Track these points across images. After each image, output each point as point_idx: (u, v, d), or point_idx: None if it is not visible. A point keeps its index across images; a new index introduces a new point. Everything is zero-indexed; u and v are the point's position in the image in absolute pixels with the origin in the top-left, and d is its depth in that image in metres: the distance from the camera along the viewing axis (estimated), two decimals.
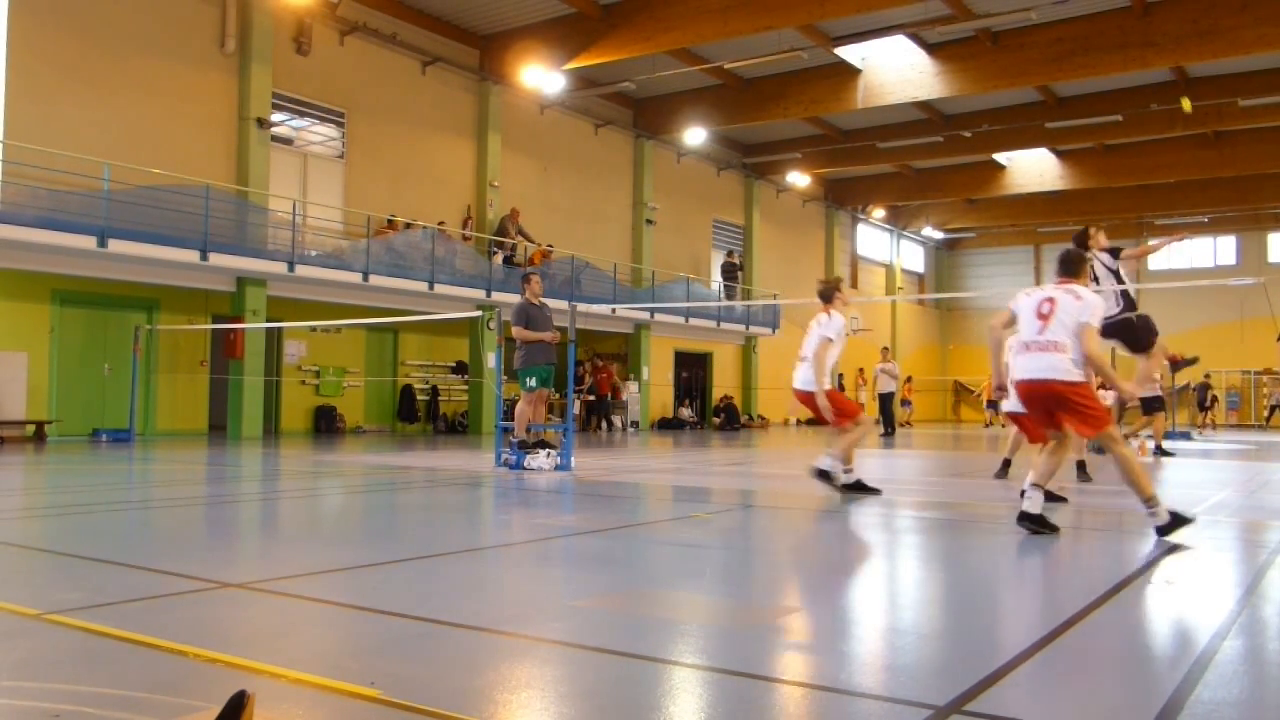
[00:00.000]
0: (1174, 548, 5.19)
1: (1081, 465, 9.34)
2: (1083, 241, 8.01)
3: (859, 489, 7.77)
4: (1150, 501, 5.41)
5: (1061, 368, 5.49)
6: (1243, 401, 35.67)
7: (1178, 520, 5.38)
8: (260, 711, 2.05)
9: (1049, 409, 5.66)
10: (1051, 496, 7.34)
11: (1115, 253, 9.08)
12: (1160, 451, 14.04)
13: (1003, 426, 32.37)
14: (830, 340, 7.64)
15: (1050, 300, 5.65)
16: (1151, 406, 14.21)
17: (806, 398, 7.78)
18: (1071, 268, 5.87)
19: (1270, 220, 35.76)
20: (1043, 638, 3.21)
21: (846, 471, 7.78)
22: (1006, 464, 9.83)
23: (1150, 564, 4.86)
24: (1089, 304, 5.57)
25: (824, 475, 7.71)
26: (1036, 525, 5.53)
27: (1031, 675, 2.83)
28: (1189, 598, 4.11)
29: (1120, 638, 3.38)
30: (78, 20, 15.34)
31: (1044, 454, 5.93)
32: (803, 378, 7.80)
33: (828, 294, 7.93)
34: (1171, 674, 2.80)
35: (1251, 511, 7.29)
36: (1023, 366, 5.65)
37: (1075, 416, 5.55)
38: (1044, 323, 5.57)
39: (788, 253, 32.91)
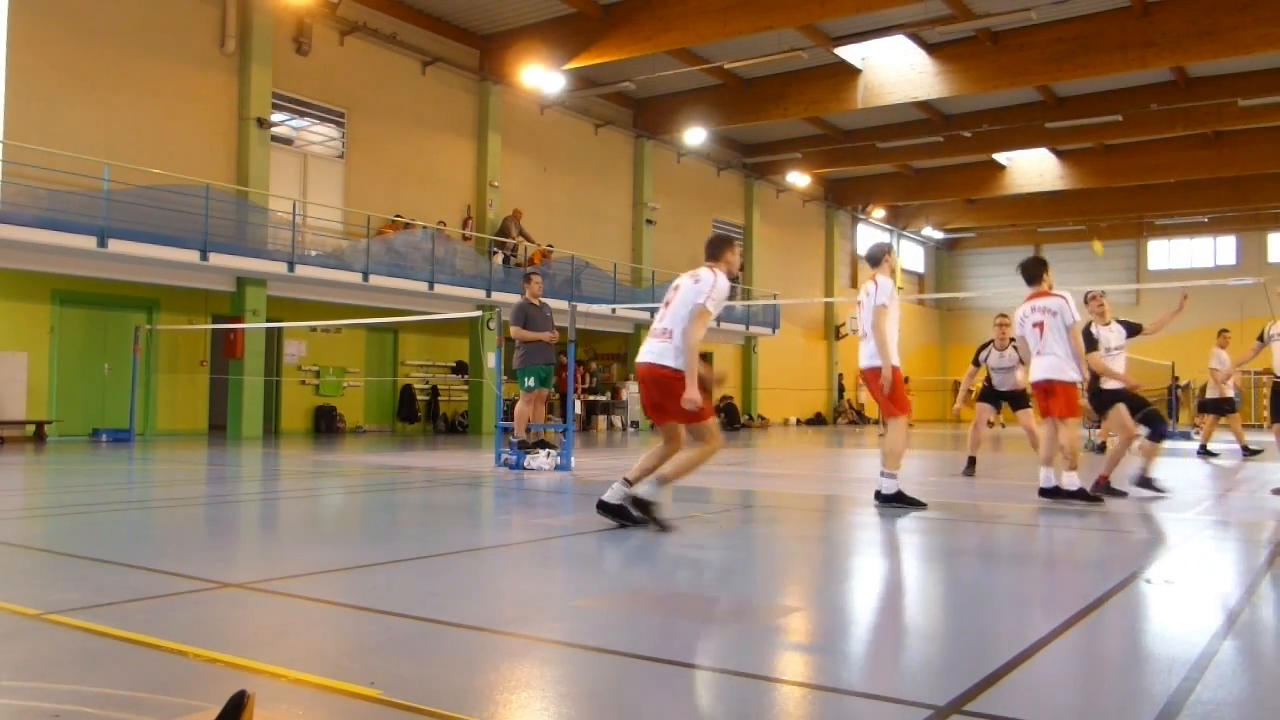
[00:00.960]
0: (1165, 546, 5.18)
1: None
2: (1040, 267, 7.58)
3: (902, 501, 6.99)
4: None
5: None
6: (1243, 401, 35.64)
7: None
8: (260, 711, 2.05)
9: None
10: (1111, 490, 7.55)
11: (1135, 329, 8.81)
12: (1205, 452, 14.10)
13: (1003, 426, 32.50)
14: (885, 306, 6.83)
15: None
16: (1223, 408, 14.26)
17: (873, 375, 6.94)
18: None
19: (1270, 220, 35.74)
20: (1043, 638, 3.21)
21: (889, 476, 7.03)
22: (972, 461, 10.03)
23: (1150, 564, 4.86)
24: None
25: (898, 499, 6.90)
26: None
27: (1031, 675, 2.83)
28: (1189, 598, 4.11)
29: (1120, 638, 3.38)
30: (78, 20, 15.34)
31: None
32: (869, 353, 6.95)
33: (876, 257, 7.18)
34: (1171, 674, 2.80)
35: (1251, 511, 7.29)
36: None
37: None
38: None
39: (788, 253, 32.91)
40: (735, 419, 27.11)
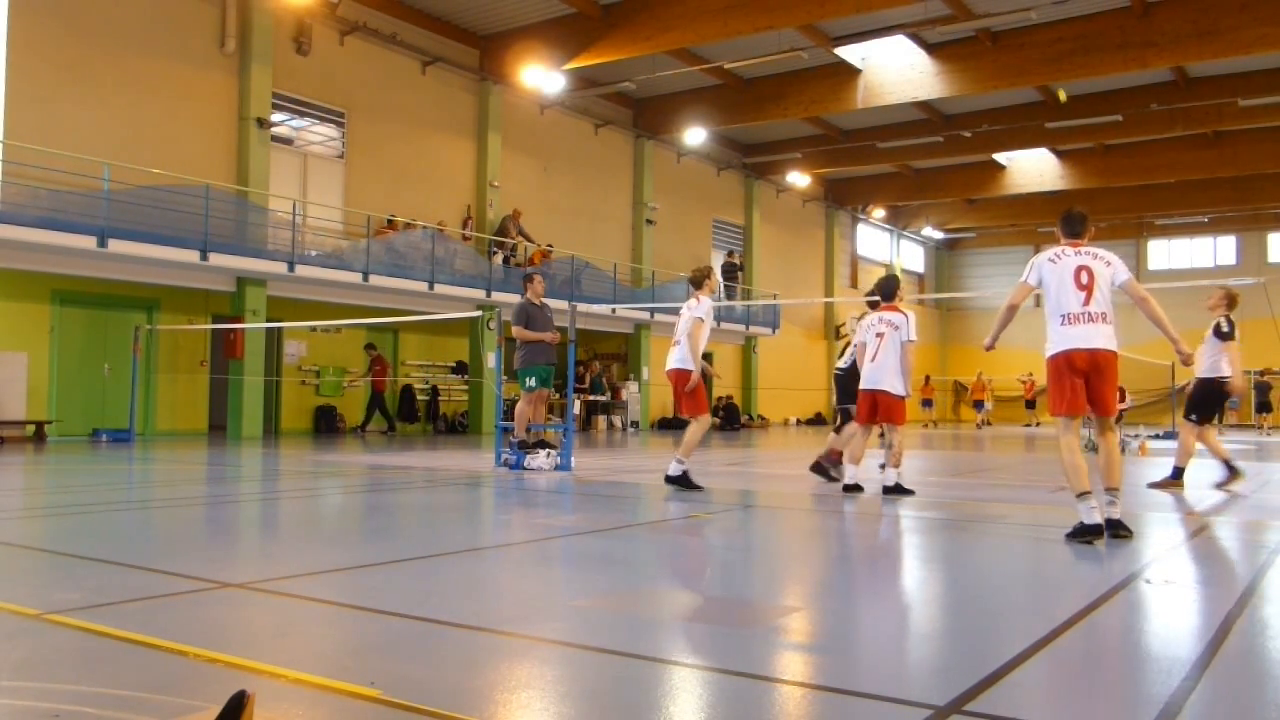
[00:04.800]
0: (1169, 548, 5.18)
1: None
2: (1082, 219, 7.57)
3: (684, 484, 8.06)
4: (1083, 497, 5.35)
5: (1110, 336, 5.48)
6: (1243, 402, 35.58)
7: (1087, 530, 5.27)
8: (260, 711, 2.05)
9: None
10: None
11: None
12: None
13: (1036, 425, 32.44)
14: (701, 320, 8.13)
15: (1087, 269, 5.55)
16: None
17: (681, 377, 8.18)
18: (1078, 227, 5.93)
19: (1270, 220, 35.75)
20: (1043, 638, 3.21)
21: (678, 462, 8.16)
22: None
23: (1150, 564, 4.86)
24: (1118, 266, 5.69)
25: (682, 481, 8.08)
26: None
27: (1031, 675, 2.83)
28: (1189, 598, 4.11)
29: (1120, 638, 3.38)
30: (78, 20, 15.34)
31: None
32: (678, 357, 8.21)
33: (698, 280, 8.40)
34: (1171, 674, 2.80)
35: (1251, 511, 7.29)
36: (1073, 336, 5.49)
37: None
38: (1087, 293, 5.49)
39: (788, 253, 32.91)
40: (735, 419, 27.10)
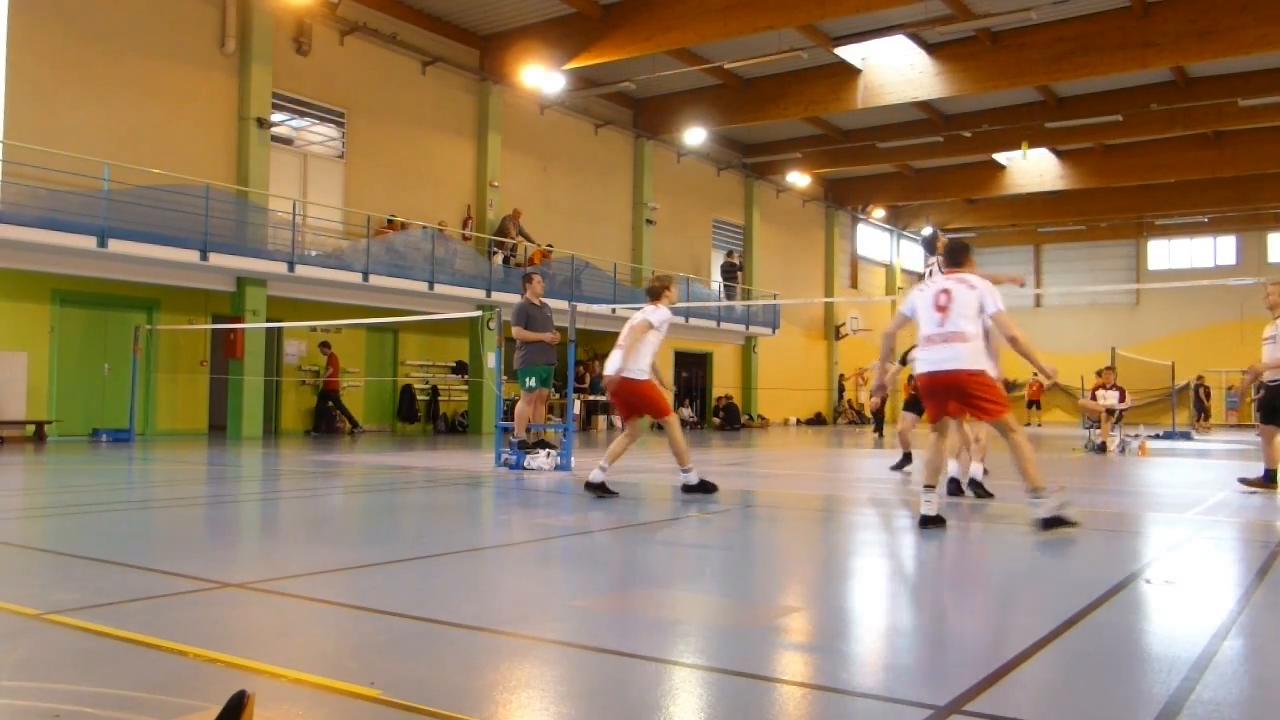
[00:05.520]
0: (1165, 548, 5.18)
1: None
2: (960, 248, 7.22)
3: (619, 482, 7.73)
4: (1035, 492, 5.50)
5: (964, 357, 5.61)
6: (1243, 402, 35.62)
7: (1060, 522, 5.46)
8: (260, 711, 2.05)
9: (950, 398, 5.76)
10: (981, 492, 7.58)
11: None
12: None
13: (1039, 425, 32.31)
14: (651, 325, 7.48)
15: (946, 292, 5.76)
16: None
17: (625, 386, 7.50)
18: (958, 257, 6.01)
19: (1270, 220, 35.75)
20: (1043, 638, 3.21)
21: (685, 472, 7.63)
22: (907, 457, 10.19)
23: (1150, 564, 4.86)
24: (984, 290, 5.71)
25: (597, 488, 7.37)
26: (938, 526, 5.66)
27: (1031, 675, 2.83)
28: (1189, 598, 4.11)
29: (1120, 638, 3.38)
30: (77, 20, 15.34)
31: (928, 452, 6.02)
32: (619, 364, 7.51)
33: (655, 292, 7.78)
34: (1171, 674, 2.80)
35: (1251, 511, 7.29)
36: (925, 359, 5.78)
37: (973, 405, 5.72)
38: (943, 315, 5.68)
39: (788, 253, 32.91)
40: (735, 419, 27.11)
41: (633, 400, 7.54)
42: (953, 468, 7.70)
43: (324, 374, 18.86)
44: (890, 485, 9.25)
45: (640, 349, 7.46)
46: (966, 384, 5.58)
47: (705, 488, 7.56)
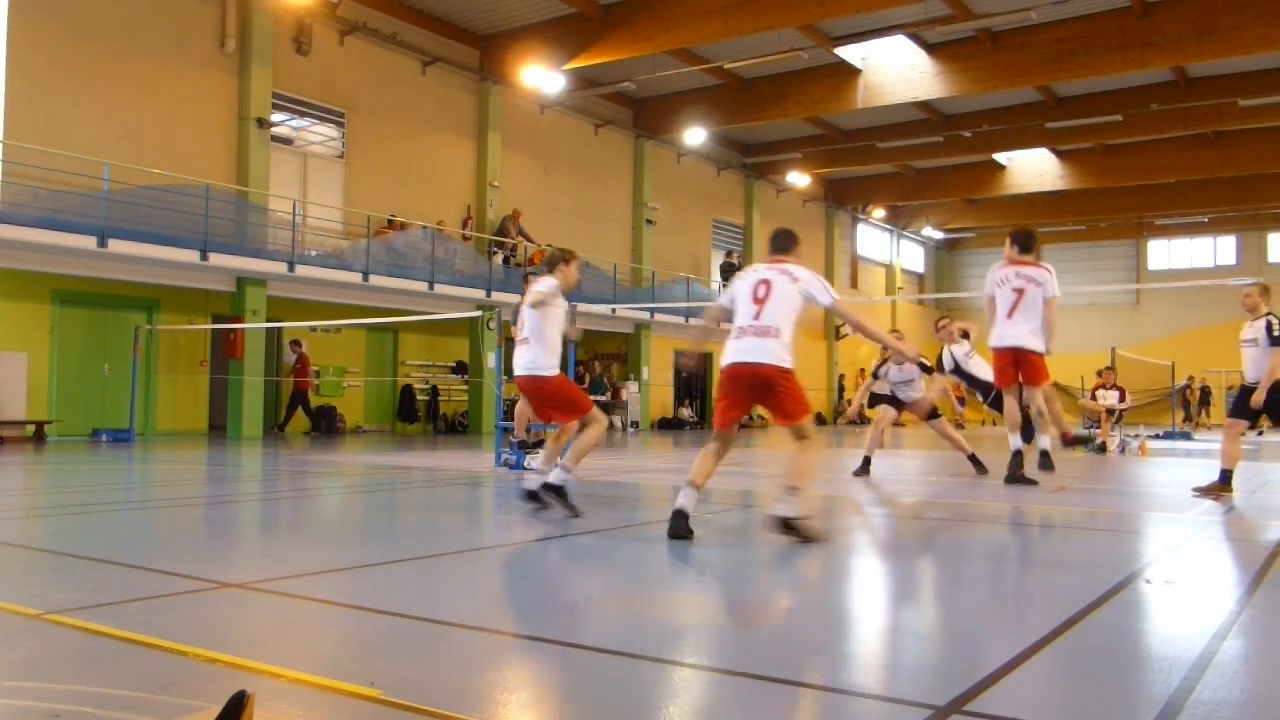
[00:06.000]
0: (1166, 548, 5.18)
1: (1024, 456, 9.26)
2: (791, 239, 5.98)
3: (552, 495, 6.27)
4: (792, 491, 5.09)
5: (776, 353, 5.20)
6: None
7: (794, 528, 5.05)
8: (260, 711, 2.05)
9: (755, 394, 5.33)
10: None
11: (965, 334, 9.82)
12: None
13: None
14: (543, 299, 6.28)
15: (766, 283, 5.31)
16: None
17: (533, 385, 6.40)
18: (783, 243, 5.59)
19: (1270, 220, 35.76)
20: (1043, 638, 3.21)
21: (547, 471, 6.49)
22: (867, 461, 10.13)
23: (1150, 564, 4.86)
24: (808, 283, 5.34)
25: (554, 490, 6.15)
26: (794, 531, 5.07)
27: (1031, 675, 2.83)
28: (1189, 598, 4.11)
29: (1120, 638, 3.38)
30: (78, 20, 15.34)
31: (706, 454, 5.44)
32: (530, 361, 6.36)
33: (552, 262, 6.60)
34: (1171, 674, 2.80)
35: (1251, 511, 7.29)
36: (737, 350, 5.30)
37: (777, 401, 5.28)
38: (759, 307, 5.27)
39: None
40: None
41: (545, 400, 6.48)
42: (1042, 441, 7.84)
43: (293, 372, 18.72)
44: (889, 485, 9.25)
45: (553, 337, 6.35)
46: (775, 380, 5.20)
47: (559, 493, 6.09)
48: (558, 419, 6.62)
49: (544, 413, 6.63)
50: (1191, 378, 31.66)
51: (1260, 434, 26.12)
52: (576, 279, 6.46)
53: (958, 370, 9.95)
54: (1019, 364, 7.79)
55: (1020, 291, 7.66)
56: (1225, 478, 7.80)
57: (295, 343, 18.65)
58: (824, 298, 5.37)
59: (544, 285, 6.42)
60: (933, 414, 10.14)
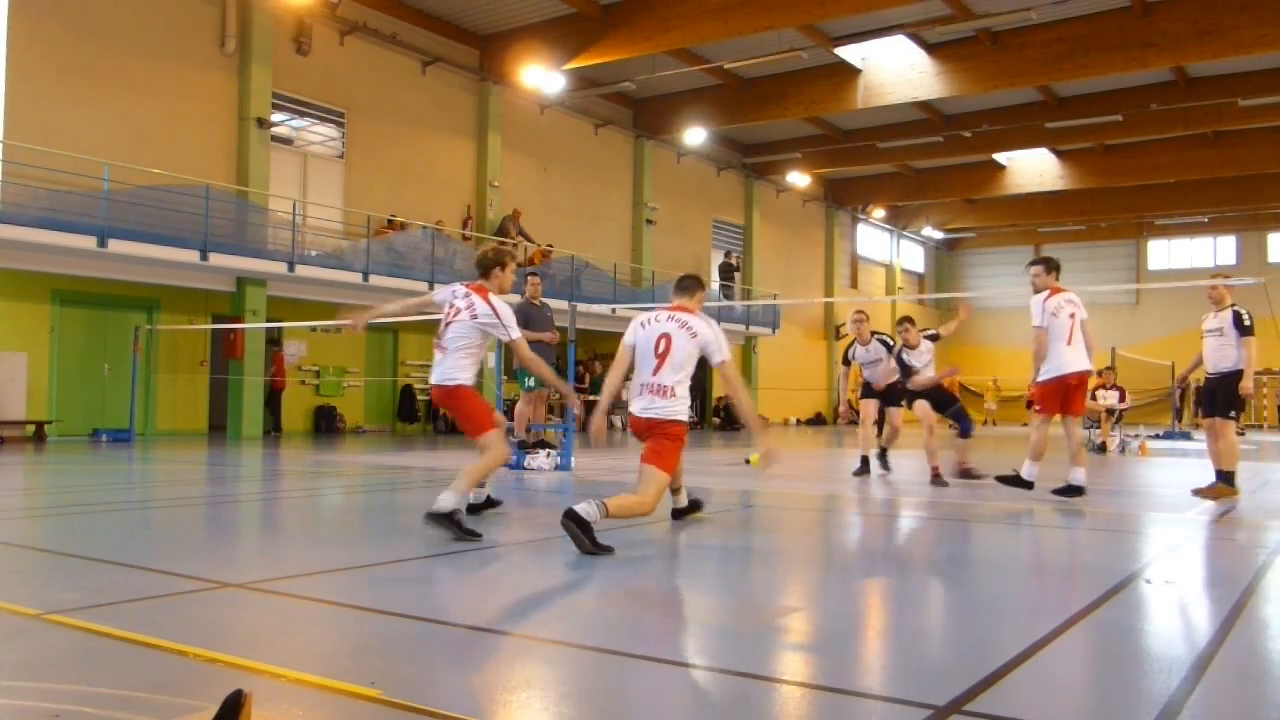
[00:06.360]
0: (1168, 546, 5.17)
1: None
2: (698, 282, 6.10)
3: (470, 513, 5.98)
4: (461, 492, 5.20)
5: None
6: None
7: (452, 522, 5.07)
8: (260, 711, 2.05)
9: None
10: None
11: (935, 337, 9.78)
12: None
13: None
14: (479, 322, 5.78)
15: (666, 337, 5.43)
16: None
17: (448, 394, 5.90)
18: (687, 288, 5.80)
19: (1270, 220, 35.76)
20: (1042, 638, 3.21)
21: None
22: (873, 457, 10.05)
23: (1150, 564, 4.86)
24: (706, 340, 5.45)
25: (445, 519, 5.18)
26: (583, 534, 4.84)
27: (1031, 675, 2.83)
28: (1189, 598, 4.11)
29: (1120, 638, 3.38)
30: (78, 20, 15.34)
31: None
32: (447, 373, 5.88)
33: (485, 266, 6.00)
34: (1171, 674, 2.80)
35: (1251, 511, 7.29)
36: None
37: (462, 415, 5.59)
38: (659, 363, 5.40)
39: (788, 253, 32.91)
40: (736, 419, 27.09)
41: (454, 412, 6.06)
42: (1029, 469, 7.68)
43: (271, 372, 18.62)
44: (889, 485, 9.26)
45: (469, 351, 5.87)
46: (659, 427, 5.36)
47: (456, 522, 5.17)
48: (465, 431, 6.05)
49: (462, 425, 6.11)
50: (1184, 379, 31.40)
51: (1242, 433, 26.13)
52: (511, 283, 6.07)
53: (904, 371, 9.72)
54: (1073, 390, 7.61)
55: (1074, 318, 7.64)
56: (1226, 478, 7.85)
57: (274, 342, 18.63)
58: (716, 357, 5.48)
59: (441, 293, 6.07)
60: (895, 400, 10.09)
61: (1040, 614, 3.75)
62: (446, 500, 5.18)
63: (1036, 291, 7.74)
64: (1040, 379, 7.62)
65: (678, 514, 6.25)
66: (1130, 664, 3.01)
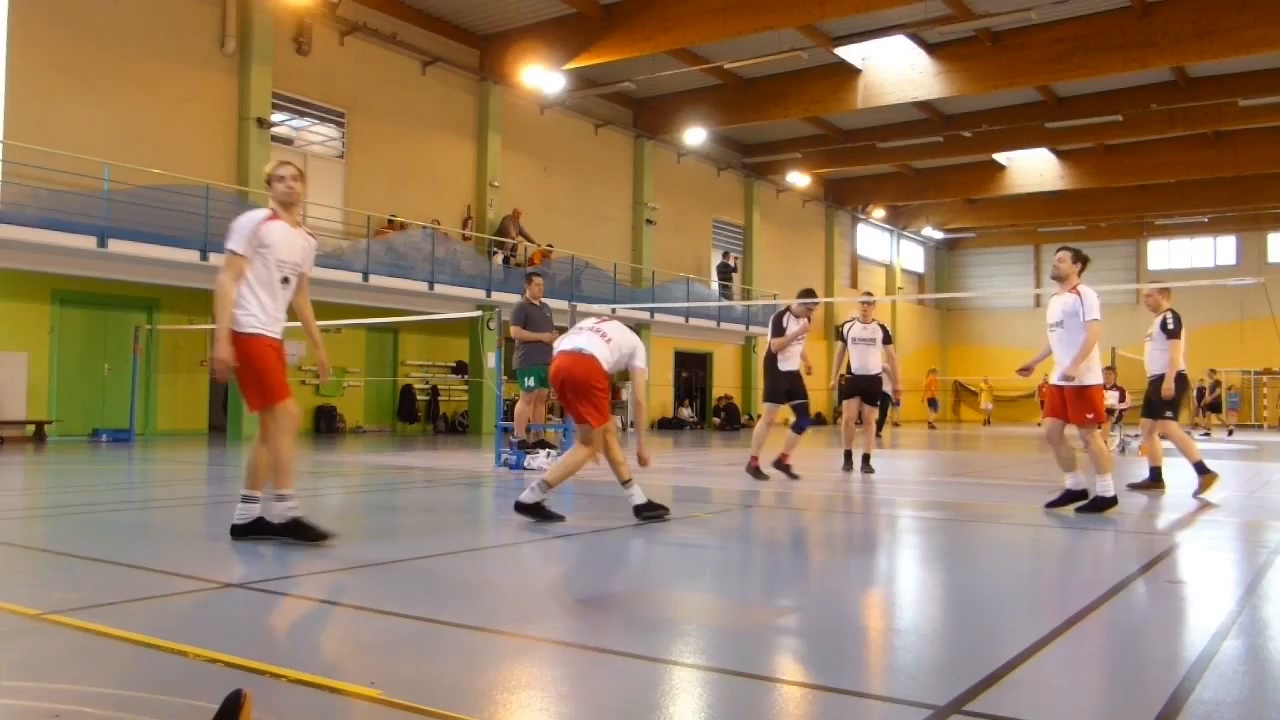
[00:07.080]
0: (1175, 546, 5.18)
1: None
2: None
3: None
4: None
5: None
6: (1243, 402, 35.63)
7: (653, 507, 5.95)
8: (259, 711, 2.05)
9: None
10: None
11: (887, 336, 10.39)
12: None
13: (1040, 425, 32.17)
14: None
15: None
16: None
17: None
18: None
19: (1270, 220, 35.75)
20: (1043, 638, 3.21)
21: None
22: (856, 455, 10.43)
23: (1151, 563, 4.86)
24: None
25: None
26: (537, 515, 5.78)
27: (1031, 675, 2.83)
28: (1189, 598, 4.11)
29: (1120, 638, 3.38)
30: (78, 20, 15.34)
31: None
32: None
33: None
34: (1171, 674, 2.80)
35: (1251, 511, 7.29)
36: None
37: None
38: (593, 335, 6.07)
39: (788, 253, 32.91)
40: (736, 419, 27.12)
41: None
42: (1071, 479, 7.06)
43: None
44: (888, 485, 9.26)
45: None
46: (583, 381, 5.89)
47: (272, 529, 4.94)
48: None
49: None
50: (1217, 379, 30.66)
51: (1207, 434, 26.04)
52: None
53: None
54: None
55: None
56: (1156, 475, 8.50)
57: None
58: (638, 363, 6.11)
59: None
60: (874, 400, 10.39)
61: (1041, 614, 3.75)
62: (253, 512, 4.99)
63: (1057, 277, 7.05)
64: (1090, 382, 6.87)
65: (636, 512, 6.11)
66: (1130, 664, 3.01)
